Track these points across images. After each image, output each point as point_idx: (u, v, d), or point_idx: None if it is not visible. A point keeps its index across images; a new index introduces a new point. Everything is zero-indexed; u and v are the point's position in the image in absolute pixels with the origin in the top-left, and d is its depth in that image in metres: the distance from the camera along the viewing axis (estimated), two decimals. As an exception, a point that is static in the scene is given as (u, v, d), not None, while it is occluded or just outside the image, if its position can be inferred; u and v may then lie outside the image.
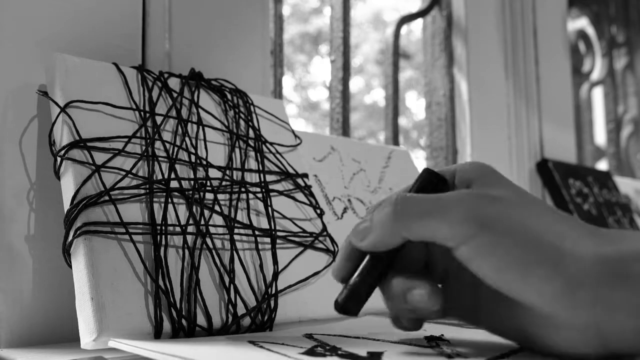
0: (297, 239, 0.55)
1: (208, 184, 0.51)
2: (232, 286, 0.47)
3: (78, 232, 0.42)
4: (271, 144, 0.59)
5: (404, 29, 1.09)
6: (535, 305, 0.29)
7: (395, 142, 1.02)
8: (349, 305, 0.35)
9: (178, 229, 0.46)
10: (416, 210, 0.31)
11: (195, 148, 0.52)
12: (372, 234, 0.33)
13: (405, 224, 0.31)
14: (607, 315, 0.28)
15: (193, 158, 0.51)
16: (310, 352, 0.35)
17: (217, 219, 0.50)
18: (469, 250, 0.30)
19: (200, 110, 0.55)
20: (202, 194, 0.49)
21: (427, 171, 0.36)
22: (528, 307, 0.30)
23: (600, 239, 0.30)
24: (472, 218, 0.30)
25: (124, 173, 0.46)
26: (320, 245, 0.56)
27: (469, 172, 0.34)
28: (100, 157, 0.45)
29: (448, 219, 0.30)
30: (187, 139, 0.52)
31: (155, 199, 0.47)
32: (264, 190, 0.54)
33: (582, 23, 1.64)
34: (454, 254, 0.31)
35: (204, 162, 0.52)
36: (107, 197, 0.44)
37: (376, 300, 0.59)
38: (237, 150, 0.55)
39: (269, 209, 0.54)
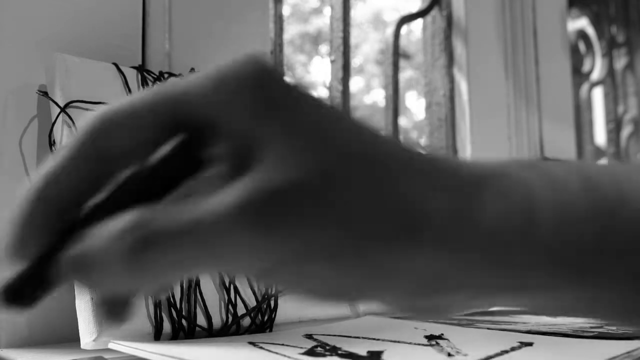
0: (297, 239, 0.55)
1: (208, 184, 0.50)
2: (232, 286, 0.47)
3: (78, 232, 0.42)
4: (271, 144, 0.59)
5: (404, 29, 1.09)
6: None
7: (395, 142, 1.02)
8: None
9: (178, 229, 0.46)
10: (170, 252, 0.17)
11: (195, 148, 0.52)
12: (96, 277, 0.18)
13: (154, 273, 0.17)
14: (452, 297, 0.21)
15: (193, 158, 0.51)
16: (310, 352, 0.35)
17: (217, 219, 0.50)
18: (269, 282, 0.21)
19: (200, 110, 0.55)
20: (202, 194, 0.49)
21: (174, 144, 0.19)
22: None
23: (455, 199, 0.19)
24: (259, 254, 0.17)
25: (124, 173, 0.46)
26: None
27: (233, 114, 0.18)
28: (100, 157, 0.45)
29: (223, 261, 0.18)
30: (187, 139, 0.52)
31: (155, 199, 0.47)
32: (264, 190, 0.54)
33: (582, 23, 1.64)
34: None
35: (204, 162, 0.52)
36: (107, 197, 0.44)
37: (376, 300, 0.59)
38: (237, 150, 0.55)
39: (269, 209, 0.54)
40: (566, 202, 0.20)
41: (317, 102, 0.19)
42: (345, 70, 0.94)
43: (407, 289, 0.19)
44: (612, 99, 1.67)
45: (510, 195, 0.19)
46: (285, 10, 1.10)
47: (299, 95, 0.19)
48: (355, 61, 3.46)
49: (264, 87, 0.18)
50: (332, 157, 0.17)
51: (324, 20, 3.26)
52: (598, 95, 1.67)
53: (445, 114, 1.09)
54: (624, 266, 0.20)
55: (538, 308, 0.22)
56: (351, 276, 0.18)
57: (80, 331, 0.40)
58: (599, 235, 0.20)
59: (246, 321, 0.47)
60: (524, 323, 0.50)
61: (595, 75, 1.64)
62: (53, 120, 0.46)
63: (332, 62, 0.95)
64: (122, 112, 0.19)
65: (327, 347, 0.37)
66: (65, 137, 0.45)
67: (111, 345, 0.38)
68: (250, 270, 0.18)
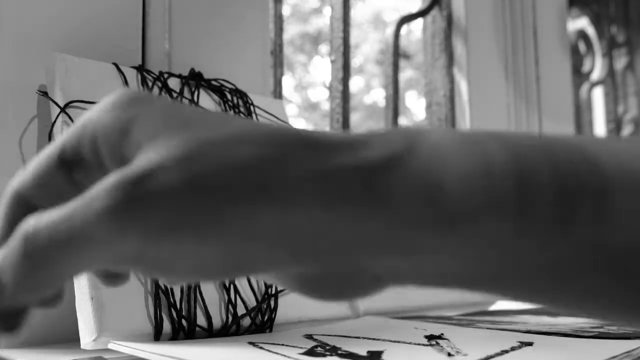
0: (297, 239, 0.55)
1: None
2: (232, 286, 0.47)
3: (78, 232, 0.42)
4: (271, 144, 0.59)
5: (404, 29, 1.09)
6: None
7: (395, 142, 1.02)
8: None
9: (178, 229, 0.46)
10: (53, 247, 0.18)
11: (195, 148, 0.52)
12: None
13: (46, 274, 0.19)
14: None
15: (193, 158, 0.51)
16: (310, 352, 0.35)
17: (217, 219, 0.50)
18: (147, 270, 0.20)
19: (200, 110, 0.55)
20: (202, 194, 0.49)
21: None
22: None
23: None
24: (129, 235, 0.18)
25: (124, 173, 0.46)
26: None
27: (106, 131, 0.20)
28: (100, 157, 0.45)
29: (100, 250, 0.18)
30: (187, 139, 0.52)
31: (155, 199, 0.47)
32: (264, 190, 0.54)
33: (582, 23, 1.64)
34: None
35: (204, 162, 0.52)
36: (107, 197, 0.44)
37: (376, 300, 0.59)
38: (237, 150, 0.55)
39: (269, 209, 0.54)
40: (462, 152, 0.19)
41: (184, 107, 0.20)
42: (345, 70, 0.94)
43: (288, 253, 0.19)
44: (612, 99, 1.67)
45: (390, 143, 0.19)
46: (285, 10, 1.10)
47: (165, 102, 0.20)
48: (355, 61, 3.46)
49: (131, 101, 0.20)
50: (189, 144, 0.18)
51: (324, 20, 3.26)
52: (598, 95, 1.67)
53: (445, 114, 1.09)
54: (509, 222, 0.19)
55: (439, 278, 0.20)
56: (222, 245, 0.19)
57: (80, 331, 0.40)
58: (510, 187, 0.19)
59: (246, 321, 0.47)
60: (524, 323, 0.50)
61: (595, 75, 1.64)
62: (53, 120, 0.46)
63: (332, 62, 0.95)
64: (27, 178, 0.21)
65: (327, 347, 0.37)
66: (65, 137, 0.45)
67: (111, 346, 0.38)
68: (123, 259, 0.19)
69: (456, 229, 0.19)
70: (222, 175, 0.18)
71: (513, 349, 0.35)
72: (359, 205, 0.18)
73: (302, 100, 3.57)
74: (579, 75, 1.60)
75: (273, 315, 0.49)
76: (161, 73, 0.54)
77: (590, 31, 1.64)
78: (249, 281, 0.49)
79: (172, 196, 0.18)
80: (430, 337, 0.40)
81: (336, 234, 0.19)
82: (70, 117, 0.45)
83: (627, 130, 1.69)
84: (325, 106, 3.40)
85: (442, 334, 0.41)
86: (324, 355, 0.34)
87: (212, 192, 0.18)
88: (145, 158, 0.18)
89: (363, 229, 0.19)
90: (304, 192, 0.18)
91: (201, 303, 0.45)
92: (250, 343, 0.39)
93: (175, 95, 0.53)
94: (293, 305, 0.51)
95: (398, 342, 0.38)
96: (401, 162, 0.19)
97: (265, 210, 0.18)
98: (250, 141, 0.19)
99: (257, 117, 0.59)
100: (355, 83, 3.62)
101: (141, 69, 0.53)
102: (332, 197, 0.18)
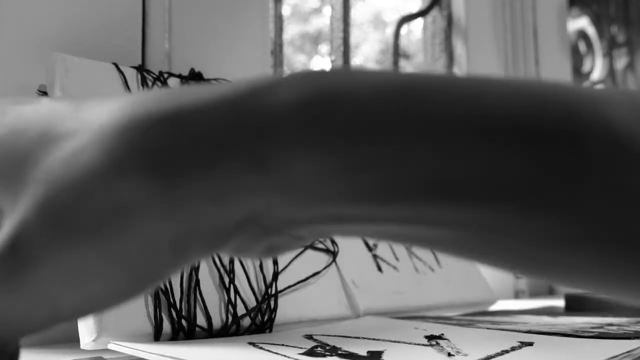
0: (297, 239, 0.55)
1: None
2: (232, 286, 0.47)
3: (78, 233, 0.42)
4: (271, 144, 0.59)
5: (404, 29, 1.09)
6: None
7: (395, 142, 1.02)
8: None
9: (178, 229, 0.46)
10: None
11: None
12: None
13: None
14: None
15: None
16: (310, 352, 0.35)
17: (217, 219, 0.50)
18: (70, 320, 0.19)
19: (200, 110, 0.55)
20: (202, 194, 0.49)
21: None
22: None
23: None
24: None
25: (123, 173, 0.46)
26: (321, 246, 0.56)
27: None
28: (100, 158, 0.45)
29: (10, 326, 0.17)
30: (187, 139, 0.52)
31: (155, 199, 0.47)
32: (264, 190, 0.54)
33: (582, 23, 1.64)
34: None
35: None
36: (107, 198, 0.44)
37: (376, 300, 0.59)
38: (237, 150, 0.55)
39: (269, 209, 0.54)
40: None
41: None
42: (345, 70, 0.94)
43: (196, 249, 0.17)
44: (612, 99, 1.67)
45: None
46: (285, 10, 1.10)
47: (12, 115, 0.18)
48: (355, 61, 3.46)
49: None
50: (45, 185, 0.17)
51: (324, 20, 3.26)
52: (598, 95, 1.67)
53: (445, 114, 1.09)
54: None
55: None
56: (129, 268, 0.17)
57: (80, 331, 0.40)
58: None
59: (246, 321, 0.47)
60: (524, 323, 0.50)
61: (596, 75, 1.64)
62: (53, 120, 0.46)
63: (332, 62, 0.95)
64: None
65: (327, 348, 0.37)
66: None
67: (111, 346, 0.38)
68: (41, 323, 0.17)
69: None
70: (80, 206, 0.16)
71: (513, 349, 0.35)
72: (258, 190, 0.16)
73: (302, 100, 3.55)
74: (579, 75, 1.60)
75: (273, 316, 0.49)
76: (161, 73, 0.54)
77: (590, 31, 1.64)
78: (248, 281, 0.49)
79: (52, 251, 0.16)
80: (430, 337, 0.40)
81: (237, 222, 0.17)
82: (70, 117, 0.45)
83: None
84: (325, 106, 3.38)
85: (442, 334, 0.41)
86: (324, 355, 0.34)
87: (85, 228, 0.16)
88: (11, 219, 0.17)
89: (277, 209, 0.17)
90: (188, 190, 0.16)
91: (201, 303, 0.45)
92: (250, 343, 0.39)
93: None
94: (293, 305, 0.51)
95: (398, 342, 0.38)
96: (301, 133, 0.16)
97: (152, 220, 0.16)
98: (94, 148, 0.16)
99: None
100: (355, 83, 3.61)
101: (141, 69, 0.53)
102: (221, 189, 0.16)
